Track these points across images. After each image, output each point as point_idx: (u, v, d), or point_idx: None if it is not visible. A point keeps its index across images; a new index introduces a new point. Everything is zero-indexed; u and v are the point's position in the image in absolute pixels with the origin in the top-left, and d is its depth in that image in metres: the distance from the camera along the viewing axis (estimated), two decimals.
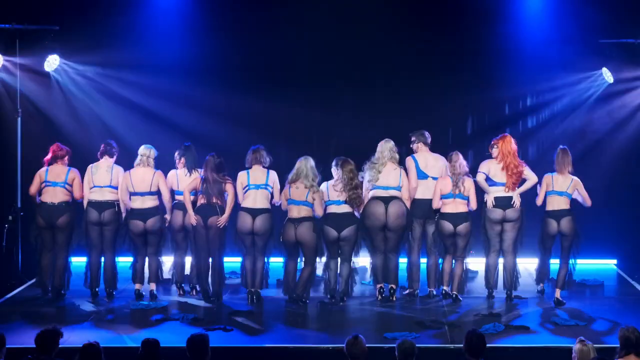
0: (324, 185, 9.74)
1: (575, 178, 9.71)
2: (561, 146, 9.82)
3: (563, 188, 9.69)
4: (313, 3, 11.39)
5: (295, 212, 9.62)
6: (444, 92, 11.57)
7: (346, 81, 11.65)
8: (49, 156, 9.94)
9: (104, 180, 9.94)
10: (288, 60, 11.62)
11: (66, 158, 10.00)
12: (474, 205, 9.73)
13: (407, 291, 10.02)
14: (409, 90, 11.56)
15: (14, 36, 11.08)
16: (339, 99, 11.70)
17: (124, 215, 9.90)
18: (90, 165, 10.06)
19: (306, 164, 9.62)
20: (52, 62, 11.26)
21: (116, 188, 9.91)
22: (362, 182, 9.74)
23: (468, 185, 9.69)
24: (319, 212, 9.64)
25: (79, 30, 11.30)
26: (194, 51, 11.55)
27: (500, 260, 9.92)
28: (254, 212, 9.65)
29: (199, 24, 11.55)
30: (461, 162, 9.72)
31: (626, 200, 11.59)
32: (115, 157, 10.09)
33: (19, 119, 11.21)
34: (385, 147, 9.78)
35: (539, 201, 9.78)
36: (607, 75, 11.37)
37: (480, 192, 9.79)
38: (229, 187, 9.66)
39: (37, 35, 11.12)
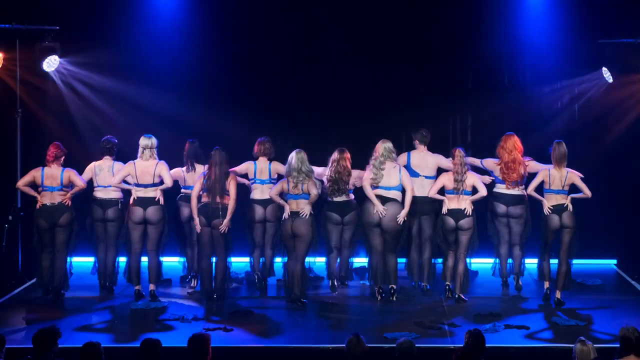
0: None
1: (571, 170, 9.76)
2: (557, 140, 9.88)
3: (559, 186, 9.74)
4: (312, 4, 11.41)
5: (294, 205, 9.68)
6: (443, 92, 11.56)
7: (345, 76, 11.60)
8: (50, 157, 9.93)
9: (106, 180, 10.11)
10: (289, 61, 11.63)
11: (62, 158, 10.04)
12: (484, 192, 9.77)
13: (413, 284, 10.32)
14: (407, 92, 11.56)
15: (14, 36, 11.09)
16: (338, 94, 11.67)
17: (132, 198, 9.92)
18: (94, 164, 10.24)
19: (297, 158, 9.68)
20: (52, 62, 11.25)
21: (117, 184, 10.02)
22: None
23: (470, 181, 9.74)
24: (314, 193, 9.63)
25: (79, 30, 11.30)
26: (193, 50, 11.54)
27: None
28: (264, 203, 10.14)
29: (198, 24, 11.54)
30: (463, 158, 9.76)
31: (626, 200, 11.58)
32: (115, 154, 10.27)
33: (19, 119, 11.22)
34: (382, 147, 9.83)
35: (529, 189, 9.82)
36: (607, 75, 11.37)
37: (488, 187, 9.95)
38: (232, 186, 9.69)
39: (37, 35, 11.12)
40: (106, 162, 10.22)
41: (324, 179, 9.95)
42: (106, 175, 10.12)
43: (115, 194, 10.15)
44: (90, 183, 10.16)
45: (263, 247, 10.36)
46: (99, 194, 10.17)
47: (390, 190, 9.78)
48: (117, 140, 10.34)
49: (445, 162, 10.14)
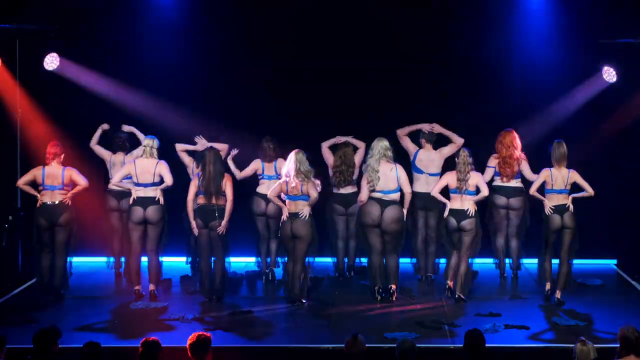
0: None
1: (572, 170, 9.80)
2: (557, 139, 9.92)
3: (561, 186, 9.77)
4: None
5: (293, 207, 9.67)
6: (443, 91, 11.56)
7: (349, 71, 11.58)
8: (48, 155, 9.95)
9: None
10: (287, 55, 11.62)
11: (62, 156, 10.05)
12: (486, 192, 9.79)
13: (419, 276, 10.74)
14: (407, 90, 11.55)
15: (14, 36, 11.09)
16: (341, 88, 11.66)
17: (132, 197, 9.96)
18: (110, 155, 10.62)
19: (296, 159, 9.66)
20: (52, 62, 11.25)
21: (131, 178, 10.01)
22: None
23: (474, 181, 9.74)
24: (313, 196, 9.63)
25: (79, 30, 11.30)
26: (195, 50, 11.54)
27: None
28: (267, 198, 10.17)
29: (200, 23, 11.53)
30: (467, 158, 9.76)
31: (626, 200, 11.57)
32: (127, 149, 10.64)
33: (19, 119, 11.23)
34: (378, 145, 9.83)
35: (532, 190, 9.86)
36: (608, 75, 11.36)
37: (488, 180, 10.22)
38: (228, 187, 9.68)
39: (37, 35, 11.12)
40: (119, 156, 10.60)
41: (329, 170, 10.47)
42: (118, 169, 10.23)
43: (128, 186, 10.14)
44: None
45: (267, 241, 10.70)
46: (114, 186, 10.34)
47: (389, 194, 9.78)
48: (127, 134, 10.72)
49: (448, 149, 10.53)
